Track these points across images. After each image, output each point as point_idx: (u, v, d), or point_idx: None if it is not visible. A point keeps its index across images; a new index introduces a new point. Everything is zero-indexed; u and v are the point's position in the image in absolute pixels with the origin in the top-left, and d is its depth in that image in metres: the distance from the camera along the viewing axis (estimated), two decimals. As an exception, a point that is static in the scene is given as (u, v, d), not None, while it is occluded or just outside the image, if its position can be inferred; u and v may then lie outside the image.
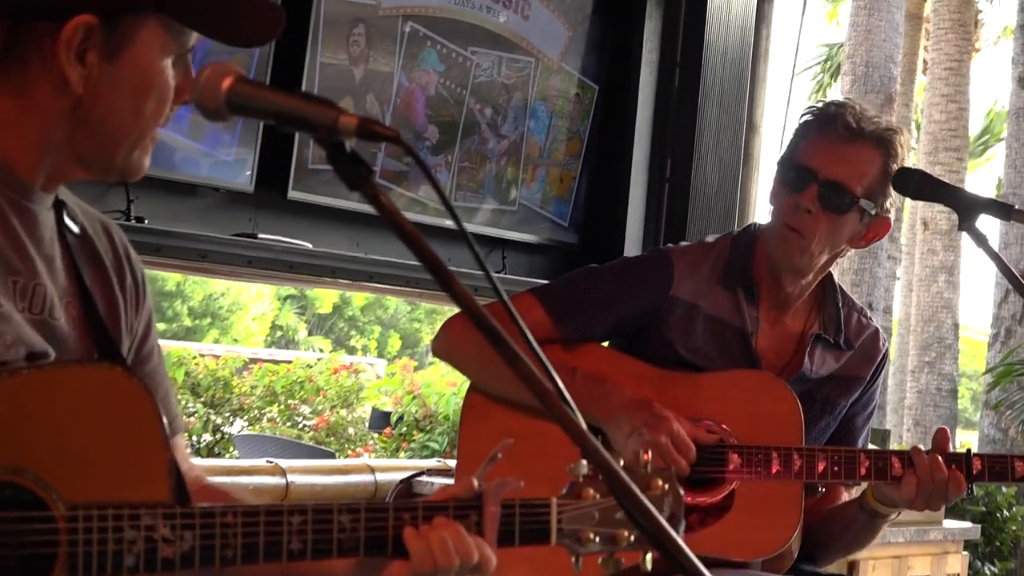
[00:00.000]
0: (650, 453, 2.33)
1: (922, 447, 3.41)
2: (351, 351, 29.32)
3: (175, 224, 4.48)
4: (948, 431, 3.45)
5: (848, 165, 3.45)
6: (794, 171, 3.49)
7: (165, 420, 2.14)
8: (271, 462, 4.85)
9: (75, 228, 2.29)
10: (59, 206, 2.28)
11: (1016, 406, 10.84)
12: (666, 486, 2.25)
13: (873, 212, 3.49)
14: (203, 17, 2.16)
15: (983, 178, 30.07)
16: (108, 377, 2.12)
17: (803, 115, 3.59)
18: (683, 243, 3.84)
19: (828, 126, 3.46)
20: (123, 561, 2.01)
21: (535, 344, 1.85)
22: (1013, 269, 3.20)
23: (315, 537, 2.13)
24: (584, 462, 2.25)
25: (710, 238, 3.75)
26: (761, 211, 6.14)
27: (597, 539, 2.24)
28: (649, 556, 2.26)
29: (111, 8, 2.11)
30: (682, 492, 2.29)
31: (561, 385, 1.80)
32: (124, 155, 2.19)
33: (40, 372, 2.08)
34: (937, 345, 15.68)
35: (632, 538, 2.25)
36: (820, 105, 3.57)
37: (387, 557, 2.19)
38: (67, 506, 2.00)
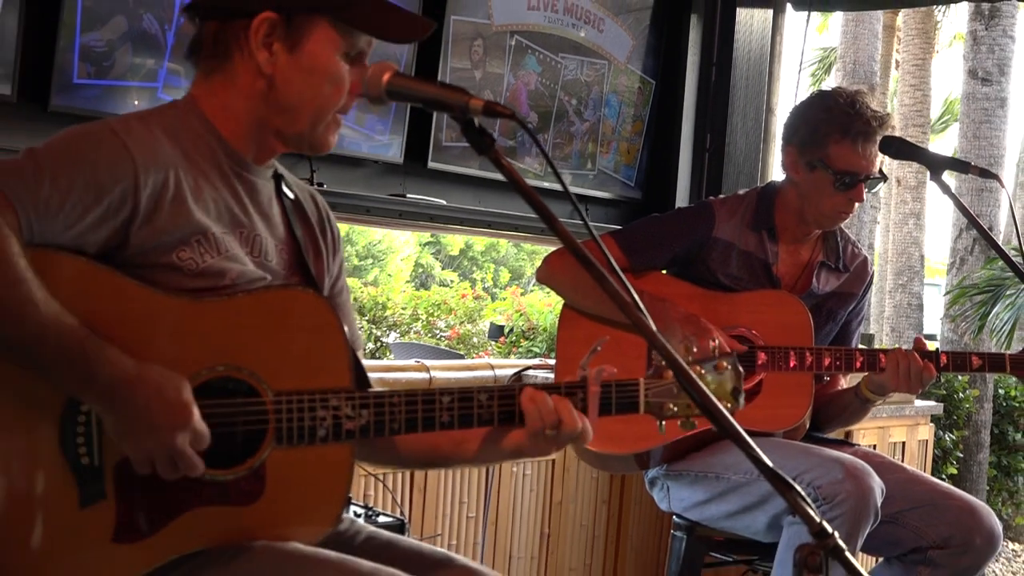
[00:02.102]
0: (719, 340, 2.32)
1: (904, 348, 3.40)
2: (473, 282, 29.32)
3: (346, 187, 4.49)
4: (923, 339, 3.44)
5: (875, 157, 3.45)
6: (839, 176, 3.42)
7: (347, 329, 2.15)
8: (418, 362, 4.86)
9: (290, 195, 2.30)
10: (278, 178, 2.29)
11: (968, 318, 10.77)
12: (728, 365, 2.22)
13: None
14: (364, 20, 2.15)
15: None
16: (304, 298, 2.13)
17: (822, 106, 3.50)
18: (721, 196, 3.81)
19: (855, 130, 3.41)
20: (316, 433, 2.04)
21: (617, 269, 1.83)
22: (970, 210, 3.18)
23: (460, 412, 2.13)
24: None
25: (741, 192, 3.73)
26: (776, 172, 6.11)
27: (675, 408, 2.23)
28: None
29: (286, 8, 2.10)
30: (741, 370, 2.27)
31: (637, 298, 1.78)
32: (310, 129, 2.18)
33: (253, 294, 2.09)
34: (907, 271, 15.63)
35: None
36: (839, 101, 3.46)
37: (513, 427, 2.17)
38: (274, 393, 2.02)
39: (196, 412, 1.90)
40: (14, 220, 1.84)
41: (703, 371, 2.23)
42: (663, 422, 2.25)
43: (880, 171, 3.46)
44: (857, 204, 3.49)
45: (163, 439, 1.87)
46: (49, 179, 1.89)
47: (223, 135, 2.15)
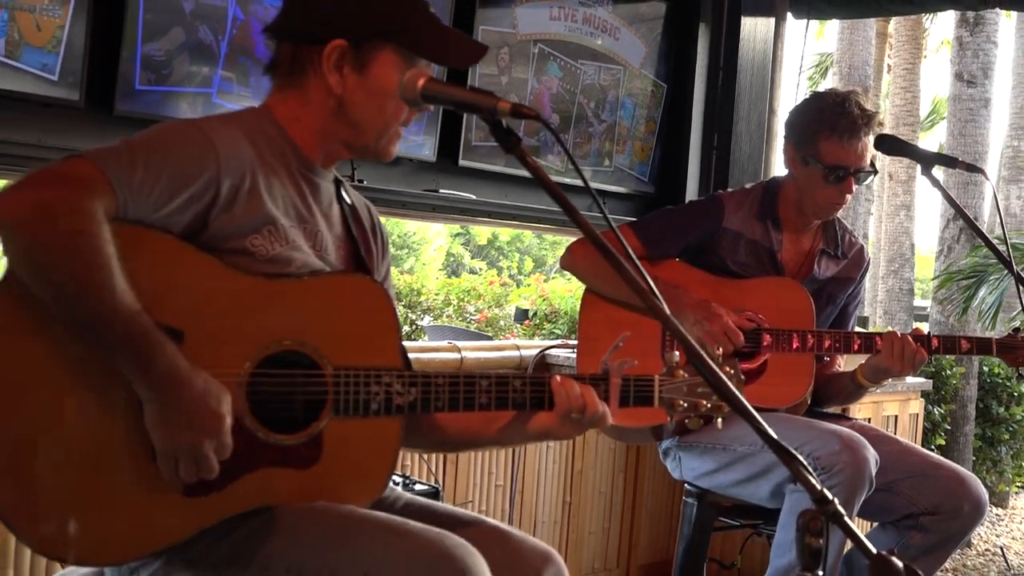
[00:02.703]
0: (721, 348, 2.35)
1: (897, 331, 3.39)
2: (499, 270, 29.36)
3: (384, 183, 4.50)
4: (923, 329, 3.44)
5: (865, 152, 3.42)
6: (830, 169, 3.41)
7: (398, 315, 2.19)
8: (450, 343, 4.87)
9: (348, 200, 2.34)
10: (338, 184, 2.33)
11: (955, 301, 10.76)
12: (732, 370, 2.24)
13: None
14: (425, 47, 2.18)
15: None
16: (362, 284, 2.18)
17: (815, 106, 3.49)
18: (729, 189, 3.81)
19: (841, 127, 3.39)
20: (370, 406, 2.07)
21: (634, 257, 1.83)
22: (957, 202, 3.18)
23: (497, 395, 2.16)
24: (676, 353, 2.26)
25: (748, 185, 3.72)
26: (778, 167, 6.11)
27: (684, 404, 2.25)
28: (720, 419, 2.27)
29: (355, 37, 2.14)
30: (743, 377, 2.30)
31: (652, 284, 1.79)
32: (374, 142, 2.22)
33: (320, 278, 2.13)
34: (899, 259, 15.58)
35: (709, 405, 2.26)
36: (830, 100, 3.45)
37: (541, 411, 2.19)
38: (334, 368, 2.05)
39: (227, 424, 1.93)
40: (112, 200, 1.88)
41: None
42: (672, 417, 2.27)
43: (872, 164, 3.45)
44: (850, 196, 3.47)
45: (194, 439, 1.90)
46: (143, 166, 1.93)
47: (294, 141, 2.19)
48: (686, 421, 2.27)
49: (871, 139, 3.41)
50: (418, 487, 3.78)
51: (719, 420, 2.28)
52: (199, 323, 1.94)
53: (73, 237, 1.82)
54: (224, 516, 2.00)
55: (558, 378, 2.17)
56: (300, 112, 2.19)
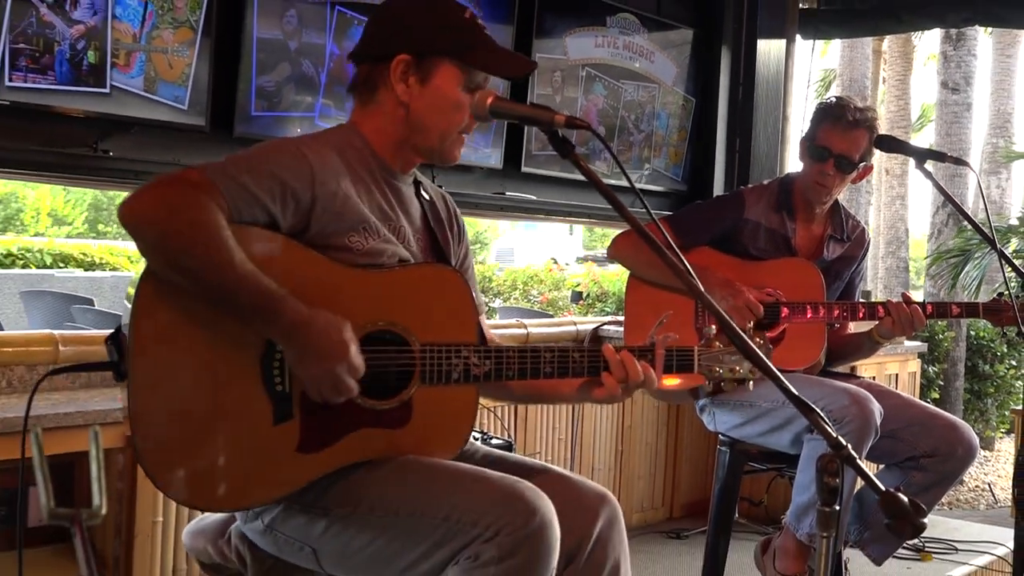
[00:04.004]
0: (752, 324, 2.32)
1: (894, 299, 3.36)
2: (556, 259, 29.38)
3: (459, 188, 4.51)
4: (910, 295, 3.40)
5: (851, 144, 3.36)
6: (818, 149, 3.39)
7: (476, 298, 2.19)
8: (518, 321, 4.87)
9: (427, 196, 2.32)
10: (417, 184, 2.31)
11: (944, 276, 10.68)
12: (760, 341, 2.22)
13: (863, 165, 3.40)
14: (479, 60, 2.15)
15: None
16: (443, 272, 2.16)
17: (819, 107, 3.49)
18: (750, 185, 3.77)
19: (836, 118, 3.37)
20: (451, 375, 2.06)
21: (673, 244, 1.82)
22: (946, 190, 3.13)
23: (559, 365, 2.14)
24: (712, 327, 2.24)
25: (765, 181, 3.68)
26: (791, 166, 6.06)
27: (720, 371, 2.23)
28: (751, 383, 2.25)
29: (417, 52, 2.12)
30: (770, 347, 2.28)
31: (689, 267, 1.77)
32: (439, 145, 2.19)
33: (406, 268, 2.12)
34: (895, 241, 15.44)
35: (740, 371, 2.23)
36: (830, 100, 3.46)
37: (597, 377, 2.17)
38: (420, 344, 2.05)
39: (354, 348, 1.93)
40: (221, 200, 1.89)
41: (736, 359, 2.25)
42: (709, 381, 2.25)
43: (859, 159, 3.38)
44: (834, 181, 3.40)
45: (327, 367, 1.90)
46: (246, 174, 1.93)
47: (376, 150, 2.18)
48: (722, 384, 2.25)
49: (864, 139, 3.36)
50: (494, 441, 3.78)
51: (750, 384, 2.25)
52: (309, 307, 1.94)
53: (193, 225, 1.84)
54: (331, 468, 2.01)
55: (611, 349, 2.15)
56: (379, 124, 2.17)
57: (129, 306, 1.91)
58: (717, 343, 2.24)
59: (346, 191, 2.06)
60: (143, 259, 1.89)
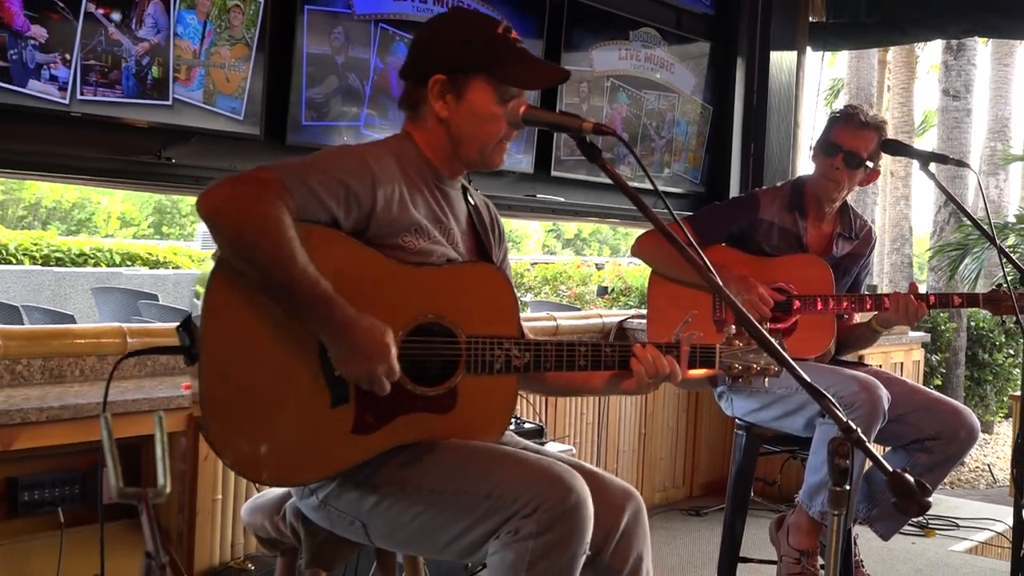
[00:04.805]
0: (768, 323, 2.30)
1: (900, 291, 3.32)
2: (583, 257, 29.37)
3: (493, 191, 4.50)
4: (916, 284, 3.36)
5: (860, 142, 3.32)
6: (829, 145, 3.36)
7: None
8: (548, 314, 4.86)
9: (472, 202, 2.32)
10: (464, 190, 2.31)
11: (944, 269, 10.63)
12: (776, 341, 2.20)
13: (871, 167, 3.37)
14: (509, 76, 2.14)
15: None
16: (488, 271, 2.17)
17: (832, 113, 3.47)
18: (764, 187, 3.74)
19: (849, 120, 3.34)
20: (494, 366, 2.07)
21: (693, 242, 1.81)
22: (948, 190, 3.10)
23: (592, 358, 2.14)
24: (732, 327, 2.23)
25: (779, 183, 3.65)
26: (802, 169, 6.03)
27: (739, 367, 2.22)
28: (767, 379, 2.23)
29: (451, 71, 2.12)
30: (782, 342, 2.25)
31: (709, 265, 1.76)
32: (479, 155, 2.18)
33: (454, 266, 2.12)
34: (899, 239, 15.33)
35: (757, 367, 2.22)
36: (844, 108, 3.43)
37: (626, 371, 2.17)
38: (466, 336, 2.06)
39: (393, 352, 1.94)
40: (289, 199, 1.90)
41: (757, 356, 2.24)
42: (728, 375, 2.23)
43: (868, 159, 3.35)
44: (842, 178, 3.36)
45: (367, 367, 1.91)
46: (313, 175, 1.95)
47: (428, 159, 2.18)
48: (739, 381, 2.24)
49: (873, 141, 3.33)
50: (527, 425, 3.78)
51: (765, 380, 2.24)
52: (364, 300, 1.95)
53: (264, 221, 1.85)
54: (382, 449, 2.02)
55: (639, 346, 2.14)
56: (426, 136, 2.18)
57: (198, 303, 1.93)
58: (737, 341, 2.24)
59: (402, 195, 2.07)
60: (209, 255, 1.90)
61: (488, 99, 2.12)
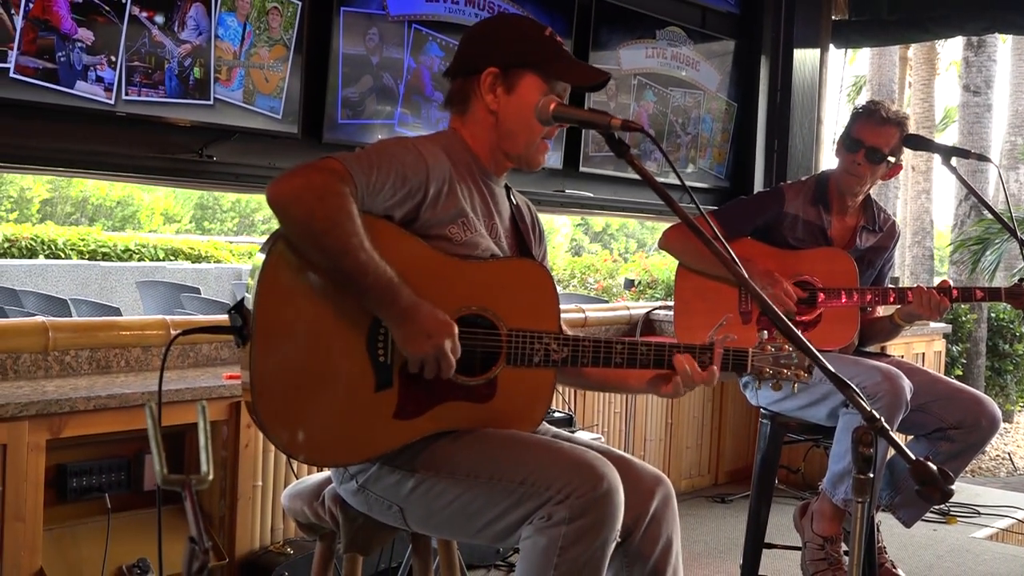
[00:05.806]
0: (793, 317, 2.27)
1: (924, 286, 3.30)
2: (611, 250, 29.25)
3: (524, 187, 4.49)
4: (950, 281, 3.33)
5: (881, 137, 3.29)
6: (852, 141, 3.34)
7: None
8: (577, 306, 4.85)
9: (515, 201, 2.32)
10: (507, 189, 2.31)
11: (965, 262, 10.56)
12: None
13: (893, 162, 3.34)
14: (559, 72, 2.15)
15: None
16: (530, 266, 2.16)
17: (855, 109, 3.44)
18: (788, 182, 3.71)
19: (871, 115, 3.32)
20: (533, 359, 2.07)
21: (720, 235, 1.80)
22: (970, 184, 3.06)
23: (628, 355, 2.14)
24: (764, 333, 2.22)
25: (803, 178, 3.62)
26: (825, 164, 5.99)
27: (771, 371, 2.21)
28: (795, 385, 2.21)
29: (503, 65, 2.13)
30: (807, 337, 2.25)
31: (736, 258, 1.75)
32: (525, 149, 2.18)
33: (498, 261, 2.12)
34: (921, 232, 15.23)
35: (788, 373, 2.21)
36: (866, 104, 3.41)
37: (660, 371, 2.17)
38: (507, 329, 2.06)
39: (456, 329, 1.95)
40: (355, 189, 1.90)
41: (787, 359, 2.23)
42: (760, 380, 2.22)
43: (890, 155, 3.32)
44: (865, 173, 3.34)
45: (435, 343, 1.92)
46: (376, 167, 1.95)
47: (476, 155, 2.18)
48: (770, 385, 2.22)
49: (895, 136, 3.30)
50: (557, 414, 3.78)
51: (795, 386, 2.23)
52: (412, 289, 1.95)
53: (337, 211, 1.86)
54: (422, 435, 2.03)
55: (677, 354, 2.15)
56: (474, 131, 2.18)
57: (250, 285, 1.94)
58: (769, 347, 2.22)
59: (452, 187, 2.07)
60: (256, 248, 1.91)
61: (537, 94, 2.13)
